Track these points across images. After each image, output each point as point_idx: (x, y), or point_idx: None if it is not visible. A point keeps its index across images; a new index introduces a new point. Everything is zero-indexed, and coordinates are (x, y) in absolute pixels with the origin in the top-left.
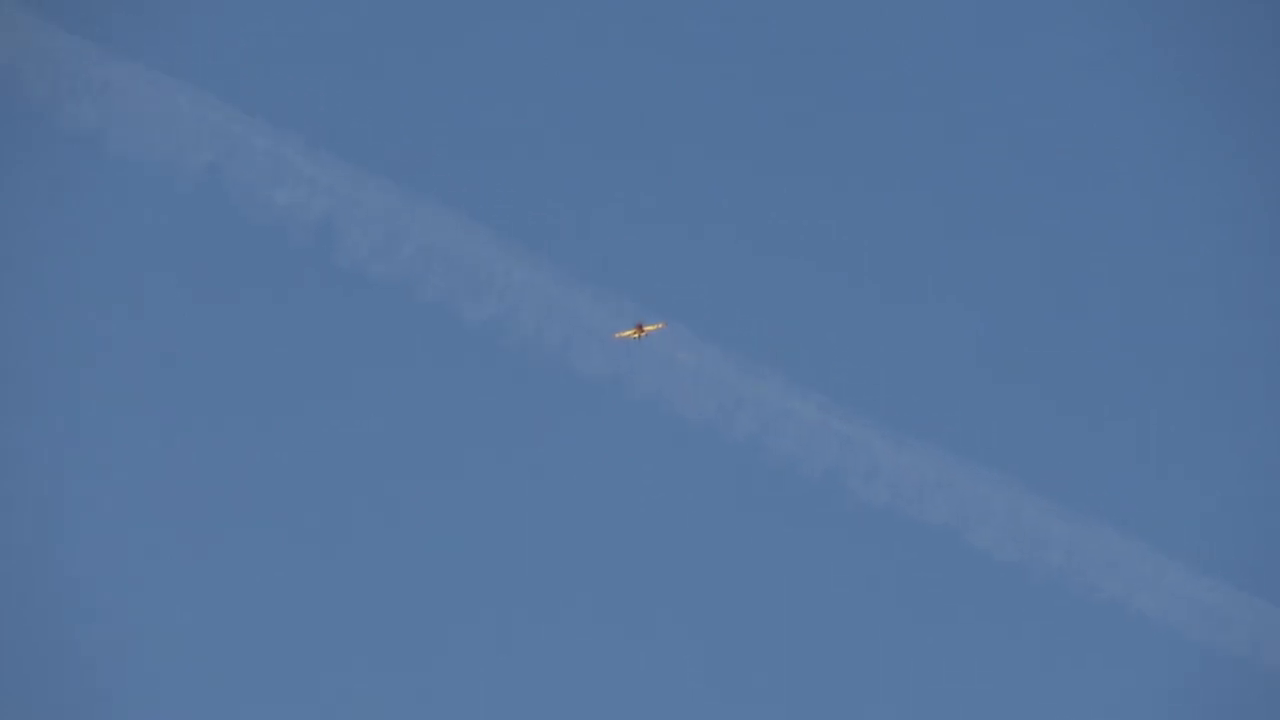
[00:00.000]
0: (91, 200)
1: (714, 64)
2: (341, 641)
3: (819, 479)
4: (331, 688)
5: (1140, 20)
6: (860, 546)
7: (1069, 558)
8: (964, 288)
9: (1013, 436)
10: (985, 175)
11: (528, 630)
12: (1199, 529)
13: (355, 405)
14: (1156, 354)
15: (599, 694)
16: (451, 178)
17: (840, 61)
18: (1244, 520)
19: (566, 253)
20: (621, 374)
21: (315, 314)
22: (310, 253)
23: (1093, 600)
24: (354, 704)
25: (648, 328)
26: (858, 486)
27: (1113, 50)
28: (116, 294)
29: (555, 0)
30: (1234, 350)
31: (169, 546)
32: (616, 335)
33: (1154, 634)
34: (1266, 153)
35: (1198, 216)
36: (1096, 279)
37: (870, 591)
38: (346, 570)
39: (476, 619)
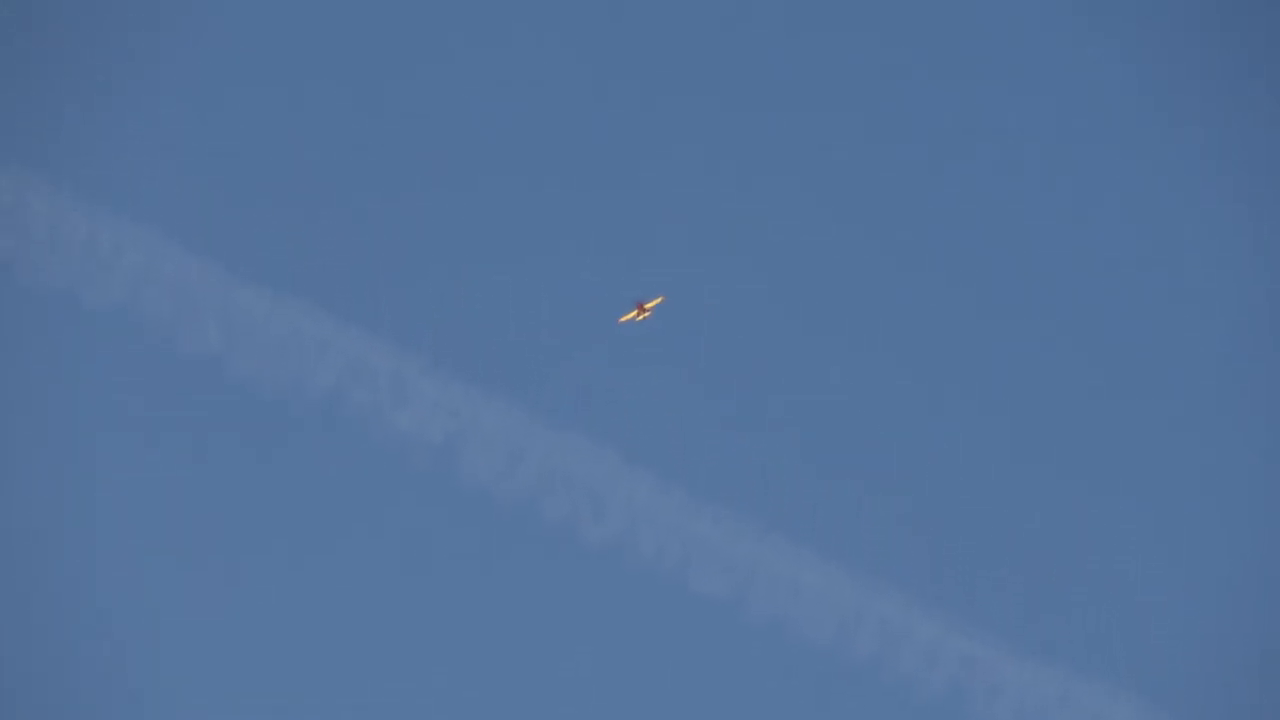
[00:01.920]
0: (212, 418)
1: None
2: None
3: (941, 696)
4: None
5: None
6: None
7: None
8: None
9: None
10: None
11: None
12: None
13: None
14: None
15: None
16: (567, 395)
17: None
18: None
19: (684, 472)
20: (740, 594)
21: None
22: (432, 474)
23: None
24: None
25: (648, 305)
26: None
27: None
28: (241, 520)
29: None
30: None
31: None
32: (621, 320)
33: None
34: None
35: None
36: None
37: None
38: None
39: None
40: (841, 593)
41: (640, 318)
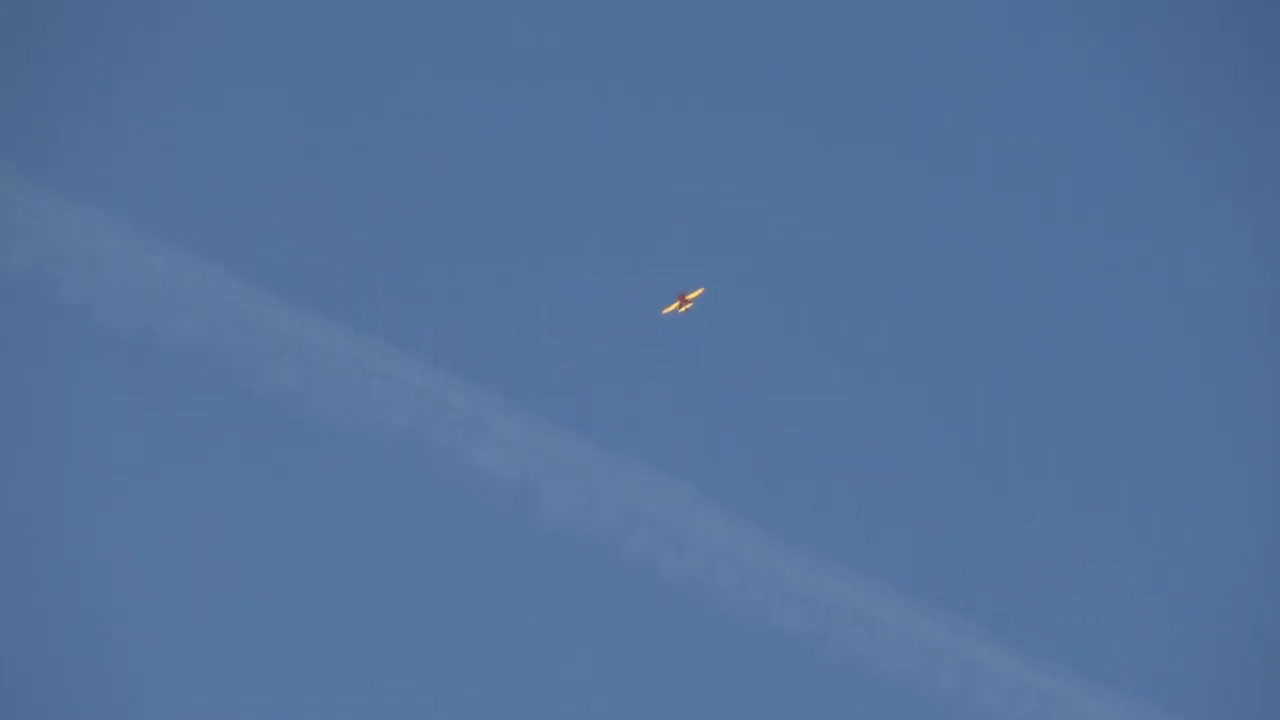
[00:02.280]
0: (293, 458)
1: None
2: None
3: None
4: None
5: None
6: None
7: None
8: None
9: None
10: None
11: None
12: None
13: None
14: None
15: None
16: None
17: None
18: None
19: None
20: (825, 629)
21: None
22: (511, 513)
23: None
24: None
25: (690, 296)
26: None
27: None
28: (319, 556)
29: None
30: None
31: None
32: (664, 312)
33: None
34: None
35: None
36: None
37: None
38: None
39: None
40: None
41: (683, 309)
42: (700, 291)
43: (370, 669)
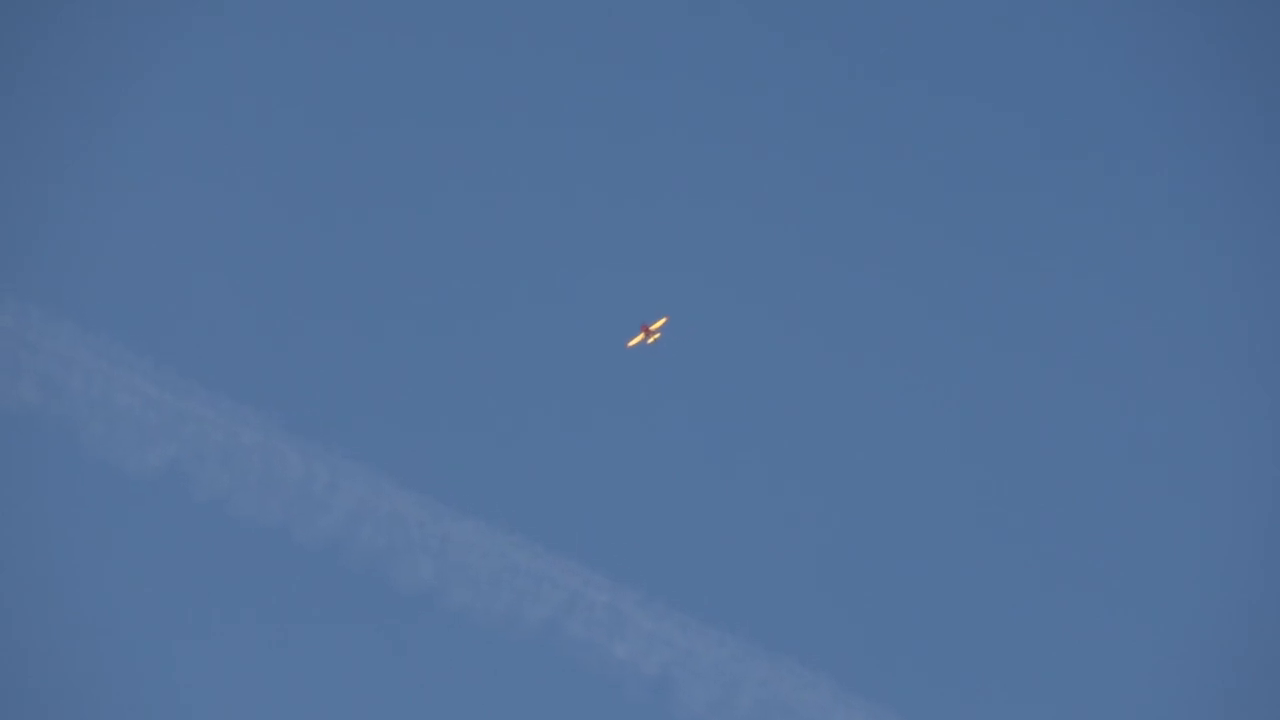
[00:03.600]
0: (429, 657)
1: None
2: None
3: None
4: None
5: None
6: None
7: None
8: None
9: None
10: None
11: None
12: None
13: None
14: None
15: None
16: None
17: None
18: None
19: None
20: None
21: None
22: (647, 706)
23: None
24: None
25: (654, 328)
26: None
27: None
28: None
29: None
30: None
31: None
32: (630, 344)
33: None
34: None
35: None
36: None
37: None
38: None
39: None
40: None
41: (650, 340)
42: (664, 320)
43: None
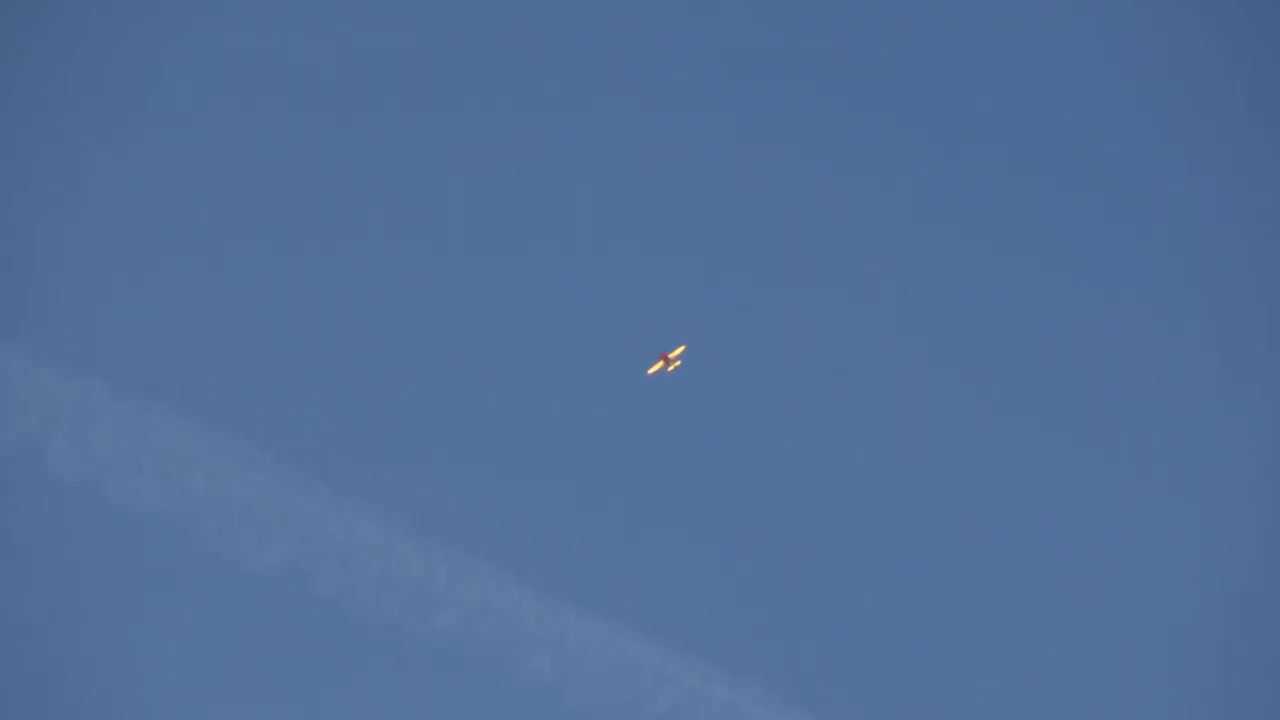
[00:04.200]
0: None
1: None
2: None
3: None
4: None
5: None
6: None
7: None
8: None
9: None
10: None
11: None
12: None
13: None
14: None
15: None
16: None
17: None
18: None
19: None
20: None
21: None
22: None
23: None
24: None
25: (672, 356)
26: None
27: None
28: None
29: None
30: None
31: None
32: (649, 372)
33: None
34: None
35: None
36: None
37: None
38: None
39: None
40: None
41: (670, 369)
42: (683, 349)
43: None
